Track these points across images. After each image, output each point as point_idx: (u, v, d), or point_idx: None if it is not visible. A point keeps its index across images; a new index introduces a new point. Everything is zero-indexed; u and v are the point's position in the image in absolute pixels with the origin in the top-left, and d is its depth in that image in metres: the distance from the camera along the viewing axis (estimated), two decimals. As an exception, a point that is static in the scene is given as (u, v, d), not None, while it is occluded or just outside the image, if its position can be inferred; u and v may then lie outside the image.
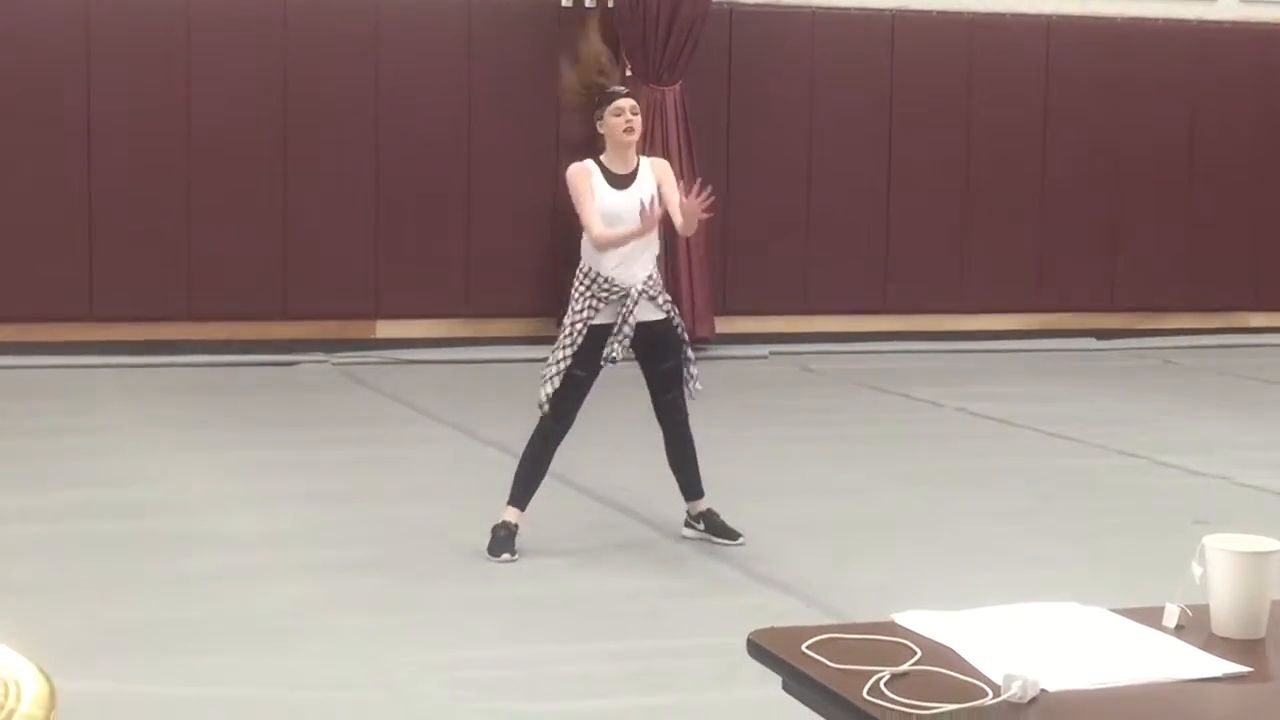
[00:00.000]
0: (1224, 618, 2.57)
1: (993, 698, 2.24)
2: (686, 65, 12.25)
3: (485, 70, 12.23)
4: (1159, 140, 13.65)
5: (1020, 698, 2.24)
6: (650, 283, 6.36)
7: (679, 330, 6.46)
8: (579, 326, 6.30)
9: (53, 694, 1.56)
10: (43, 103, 11.45)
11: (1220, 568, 2.56)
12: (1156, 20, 13.67)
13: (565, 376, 6.28)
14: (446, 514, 7.03)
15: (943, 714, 2.20)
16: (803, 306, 12.99)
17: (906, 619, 2.59)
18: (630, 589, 5.95)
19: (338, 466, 8.11)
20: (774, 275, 12.84)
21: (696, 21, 12.17)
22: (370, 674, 4.95)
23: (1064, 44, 13.42)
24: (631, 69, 12.02)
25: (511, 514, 6.38)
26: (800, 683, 2.42)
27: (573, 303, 6.37)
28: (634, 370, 6.52)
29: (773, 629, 2.61)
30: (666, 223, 6.50)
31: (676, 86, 12.24)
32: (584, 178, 6.33)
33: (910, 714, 2.20)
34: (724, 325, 12.53)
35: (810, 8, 12.93)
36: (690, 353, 6.51)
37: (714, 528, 6.59)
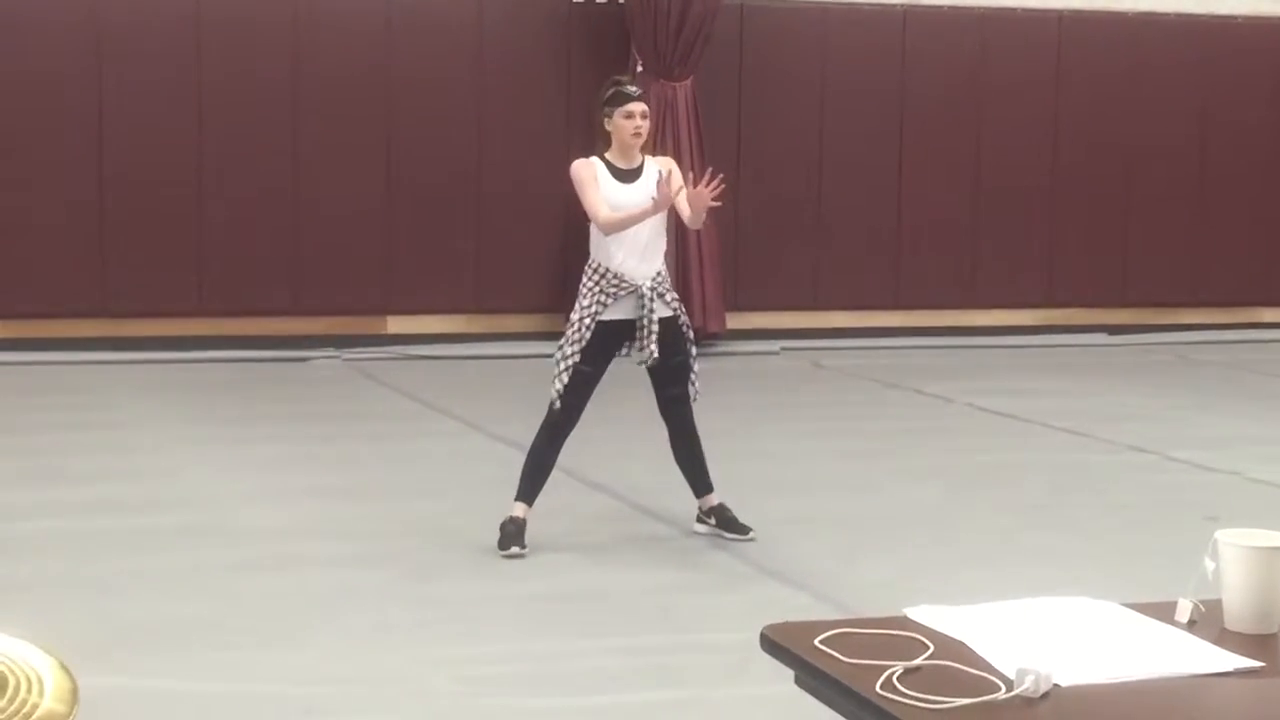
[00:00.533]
0: (1236, 612, 2.57)
1: (1005, 692, 2.25)
2: (698, 61, 12.25)
3: (497, 67, 12.23)
4: (1170, 135, 13.63)
5: (1033, 692, 2.24)
6: (659, 279, 6.36)
7: (685, 329, 6.46)
8: (587, 322, 6.30)
9: (75, 689, 1.57)
10: (53, 99, 11.47)
11: (1233, 563, 2.56)
12: (1168, 14, 13.64)
13: (573, 372, 6.29)
14: (458, 509, 7.04)
15: (955, 708, 2.20)
16: (814, 302, 12.99)
17: (918, 614, 2.59)
18: (642, 584, 5.96)
19: (349, 462, 8.13)
20: (785, 271, 12.83)
21: (707, 17, 12.17)
22: (382, 669, 4.97)
23: (1075, 38, 13.40)
24: (642, 64, 12.03)
25: (519, 509, 6.38)
26: (813, 677, 2.42)
27: (580, 298, 6.37)
28: (642, 366, 6.51)
29: (785, 624, 2.62)
30: (675, 220, 6.50)
31: (687, 82, 12.24)
32: (588, 171, 6.34)
33: (923, 708, 2.20)
34: (735, 321, 12.53)
35: (821, 3, 12.92)
36: (694, 352, 6.51)
37: (725, 523, 6.59)
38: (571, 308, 6.44)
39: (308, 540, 6.55)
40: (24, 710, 1.51)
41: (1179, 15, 13.66)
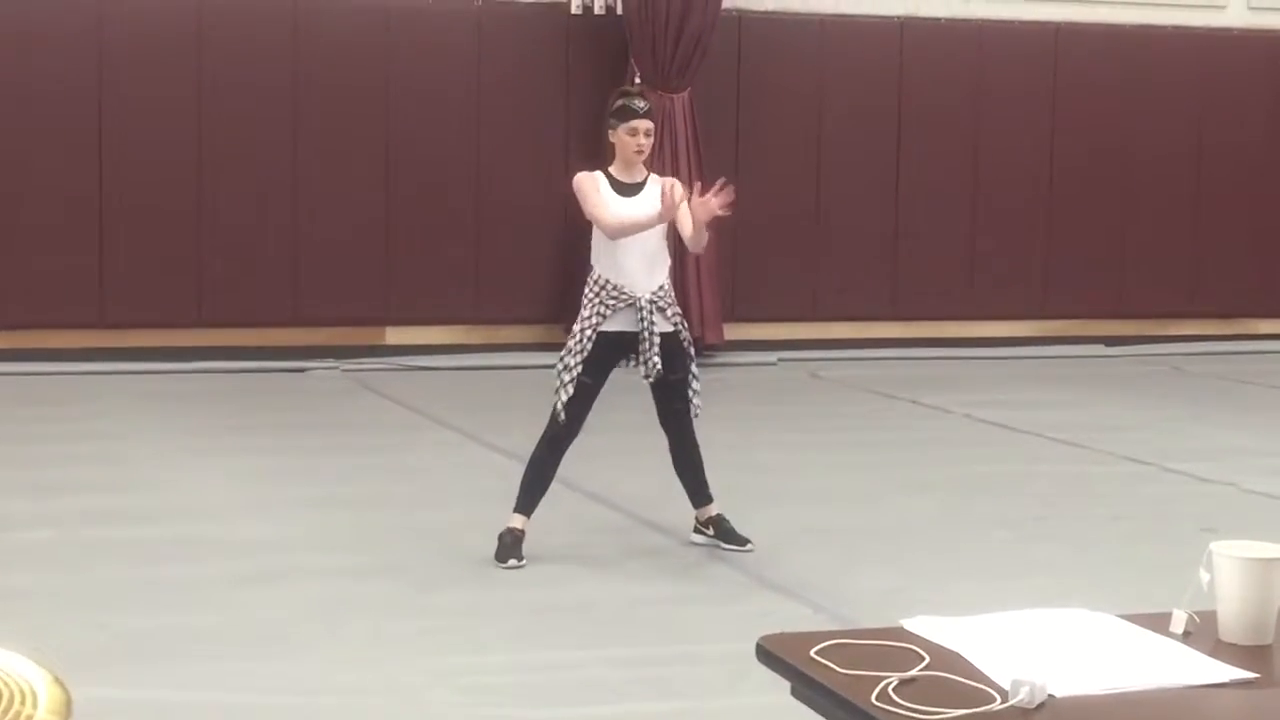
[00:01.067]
0: (1231, 624, 2.58)
1: (1001, 703, 2.26)
2: (695, 72, 12.28)
3: (495, 78, 12.25)
4: (1167, 147, 13.65)
5: (1028, 703, 2.25)
6: (661, 293, 6.36)
7: (686, 344, 6.47)
8: (588, 333, 6.31)
9: (69, 701, 1.56)
10: (54, 108, 11.48)
11: (1228, 574, 2.57)
12: (1165, 27, 13.67)
13: (576, 384, 6.29)
14: (456, 520, 7.04)
15: (950, 719, 2.21)
16: (811, 313, 13.00)
17: (915, 625, 2.60)
18: (639, 595, 5.96)
19: (347, 473, 8.14)
20: (782, 282, 12.85)
21: (706, 29, 12.20)
22: (381, 680, 4.97)
23: (1072, 51, 13.42)
24: (641, 76, 12.06)
25: (518, 520, 6.38)
26: (809, 688, 2.43)
27: (582, 309, 6.38)
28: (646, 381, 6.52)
29: (781, 634, 2.63)
30: (675, 237, 6.49)
31: (685, 94, 12.27)
32: (590, 182, 6.36)
33: (918, 719, 2.21)
34: (732, 332, 12.54)
35: (819, 15, 12.94)
36: (695, 370, 6.51)
37: (723, 534, 6.60)
38: (570, 319, 6.45)
39: (306, 551, 6.55)
40: (18, 723, 1.51)
41: (1176, 28, 13.69)
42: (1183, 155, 13.72)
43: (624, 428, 7.92)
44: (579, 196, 6.38)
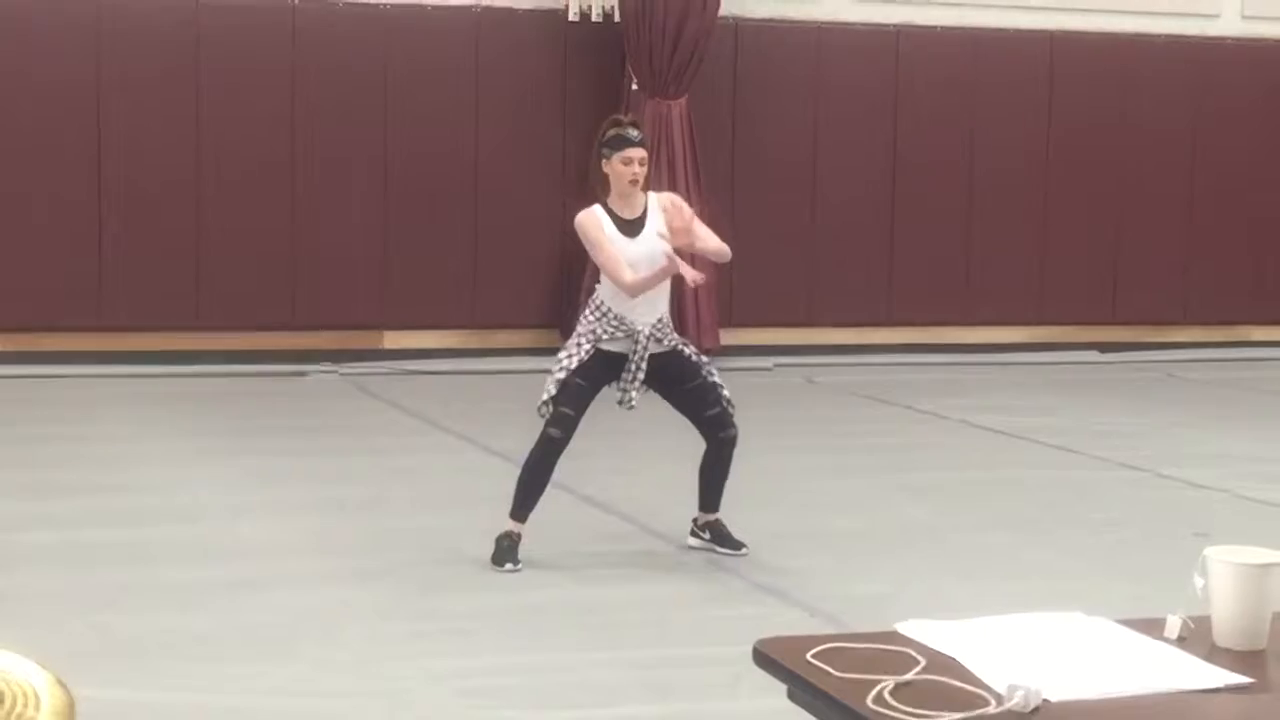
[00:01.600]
0: (1225, 629, 2.60)
1: (996, 707, 2.27)
2: (692, 79, 12.30)
3: (493, 84, 12.27)
4: (1161, 154, 13.68)
5: (1023, 707, 2.27)
6: (659, 325, 6.34)
7: (691, 356, 6.46)
8: (585, 346, 6.29)
9: (71, 703, 1.56)
10: (52, 112, 11.49)
11: (1222, 579, 2.59)
12: (1159, 36, 13.70)
13: (565, 385, 6.26)
14: (453, 524, 7.06)
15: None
16: (807, 319, 13.02)
17: (910, 628, 2.62)
18: (636, 598, 5.98)
19: (345, 476, 8.15)
20: (778, 288, 12.86)
21: (702, 36, 12.22)
22: (378, 683, 4.98)
23: (1067, 60, 13.45)
24: (637, 83, 12.08)
25: (514, 525, 6.39)
26: (805, 692, 2.45)
27: (580, 324, 6.38)
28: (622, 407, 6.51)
29: (778, 638, 2.65)
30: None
31: (682, 101, 12.28)
32: (596, 228, 6.25)
33: (915, 722, 2.23)
34: (728, 337, 12.56)
35: (815, 23, 12.97)
36: (714, 371, 6.50)
37: (719, 538, 6.62)
38: (567, 323, 6.46)
39: (304, 553, 6.56)
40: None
41: (1170, 36, 13.72)
42: (1177, 163, 13.75)
43: (620, 432, 7.94)
44: (586, 243, 6.31)
